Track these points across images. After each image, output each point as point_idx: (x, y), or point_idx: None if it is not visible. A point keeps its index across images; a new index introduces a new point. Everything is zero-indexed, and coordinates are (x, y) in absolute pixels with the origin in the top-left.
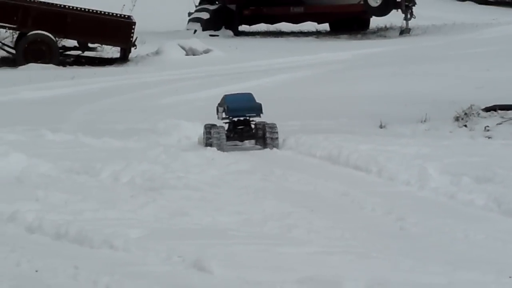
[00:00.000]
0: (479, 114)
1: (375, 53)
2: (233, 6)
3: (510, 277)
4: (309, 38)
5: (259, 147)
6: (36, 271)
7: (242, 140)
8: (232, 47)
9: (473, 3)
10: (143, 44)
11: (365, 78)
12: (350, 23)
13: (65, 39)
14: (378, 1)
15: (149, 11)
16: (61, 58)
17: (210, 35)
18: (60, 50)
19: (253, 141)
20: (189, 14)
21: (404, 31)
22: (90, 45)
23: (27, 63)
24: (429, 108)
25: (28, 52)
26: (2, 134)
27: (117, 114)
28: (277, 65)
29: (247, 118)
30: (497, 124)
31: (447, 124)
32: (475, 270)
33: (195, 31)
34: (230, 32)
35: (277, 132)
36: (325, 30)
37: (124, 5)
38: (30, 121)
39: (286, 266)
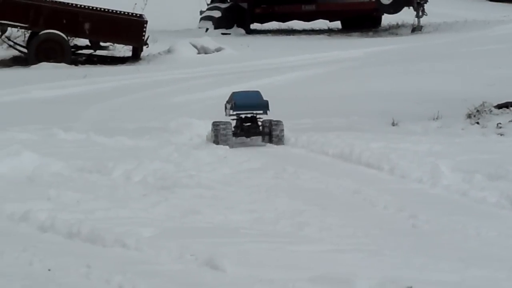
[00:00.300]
0: (491, 111)
1: (387, 51)
2: (244, 4)
3: None
4: (321, 36)
5: (265, 143)
6: (49, 270)
7: (248, 136)
8: (244, 45)
9: (484, 0)
10: (155, 42)
11: (377, 76)
12: (362, 21)
13: (76, 38)
14: None
15: (161, 9)
16: (73, 57)
17: (222, 34)
18: (72, 49)
19: (259, 138)
20: (201, 12)
21: (416, 29)
22: (102, 44)
23: (39, 62)
24: (441, 106)
25: (40, 51)
26: (14, 133)
27: (129, 113)
28: (289, 63)
29: (254, 115)
30: (509, 121)
31: (459, 122)
32: (487, 267)
33: (207, 29)
34: (242, 30)
35: (283, 129)
36: (337, 28)
37: (136, 3)
38: (42, 120)
39: (298, 264)
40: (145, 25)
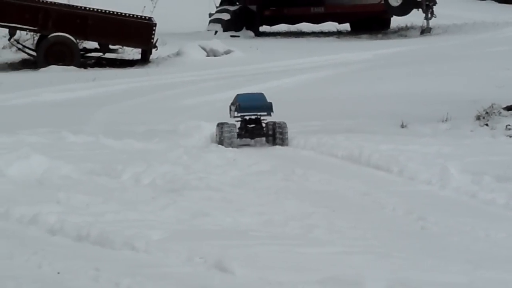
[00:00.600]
0: (500, 113)
1: (396, 53)
2: (253, 7)
3: None
4: (330, 38)
5: (269, 144)
6: (58, 273)
7: (252, 138)
8: (253, 48)
9: (493, 2)
10: (164, 45)
11: (386, 78)
12: (371, 23)
13: (86, 41)
14: (398, 1)
15: (170, 12)
16: (82, 60)
17: (231, 36)
18: (81, 52)
19: (264, 139)
20: (210, 15)
21: (425, 31)
22: (111, 46)
23: (48, 65)
24: (450, 107)
25: (49, 54)
26: (24, 136)
27: (138, 116)
28: (298, 66)
29: (258, 116)
30: None
31: (468, 123)
32: (496, 269)
33: (216, 32)
34: (251, 33)
35: (287, 131)
36: (346, 30)
37: (145, 6)
38: (51, 123)
39: (307, 266)
40: (154, 27)
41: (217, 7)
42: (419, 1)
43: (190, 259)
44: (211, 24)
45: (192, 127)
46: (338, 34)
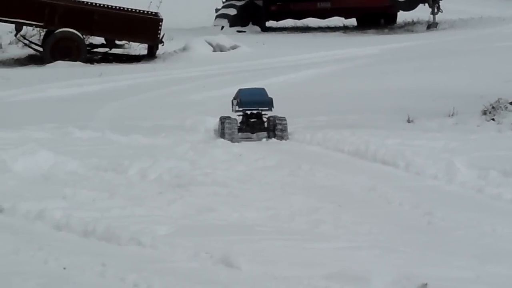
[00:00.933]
0: (506, 107)
1: (402, 48)
2: (260, 2)
3: None
4: (336, 33)
5: (269, 138)
6: (64, 268)
7: (253, 132)
8: (259, 43)
9: None
10: (170, 40)
11: (392, 73)
12: (377, 18)
13: (92, 37)
14: None
15: (176, 7)
16: (89, 56)
17: (237, 31)
18: (88, 48)
19: (264, 133)
20: (216, 10)
21: (431, 25)
22: (117, 42)
23: (55, 60)
24: (457, 102)
25: (55, 50)
26: (30, 131)
27: (145, 111)
28: (304, 61)
29: (260, 111)
30: None
31: (474, 118)
32: (503, 263)
33: (222, 27)
34: (257, 28)
35: (286, 126)
36: (352, 25)
37: (151, 1)
38: (57, 119)
39: (313, 261)
40: (160, 23)
41: (223, 2)
42: None
43: (196, 254)
44: (217, 19)
45: (198, 122)
46: (345, 29)
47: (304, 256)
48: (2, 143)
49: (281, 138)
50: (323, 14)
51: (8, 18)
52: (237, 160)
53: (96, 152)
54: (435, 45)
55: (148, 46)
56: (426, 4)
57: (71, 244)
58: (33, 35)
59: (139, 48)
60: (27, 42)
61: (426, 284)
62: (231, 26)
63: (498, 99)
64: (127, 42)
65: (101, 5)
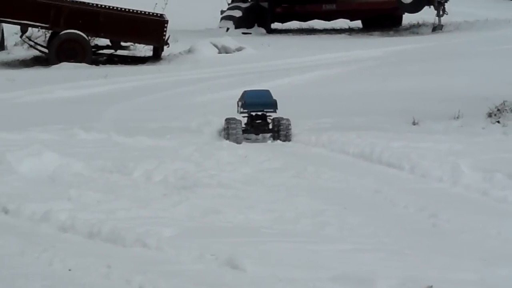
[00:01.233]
0: None
1: (407, 50)
2: (265, 4)
3: None
4: (342, 36)
5: (273, 140)
6: (69, 270)
7: (257, 133)
8: (265, 45)
9: None
10: (175, 42)
11: (398, 75)
12: (383, 20)
13: (97, 38)
14: None
15: (182, 9)
16: (94, 57)
17: (243, 33)
18: (93, 49)
19: (268, 135)
20: (222, 12)
21: (436, 28)
22: (122, 43)
23: (60, 62)
24: (462, 105)
25: (60, 51)
26: (35, 133)
27: (150, 113)
28: (310, 63)
29: (264, 113)
30: None
31: (480, 121)
32: (508, 266)
33: (228, 29)
34: (263, 30)
35: (290, 127)
36: (358, 27)
37: (156, 3)
38: (62, 120)
39: (319, 263)
40: (166, 24)
41: (228, 4)
42: None
43: (201, 256)
44: (222, 21)
45: (203, 124)
46: (350, 31)
47: (309, 258)
48: (7, 144)
49: (285, 139)
50: (329, 16)
51: (14, 19)
52: (242, 162)
53: (101, 153)
54: (440, 48)
55: (154, 48)
56: (432, 7)
57: (76, 245)
58: (39, 37)
59: (145, 50)
60: (32, 43)
61: (431, 286)
62: (236, 28)
63: (504, 101)
64: (132, 43)
65: (107, 6)
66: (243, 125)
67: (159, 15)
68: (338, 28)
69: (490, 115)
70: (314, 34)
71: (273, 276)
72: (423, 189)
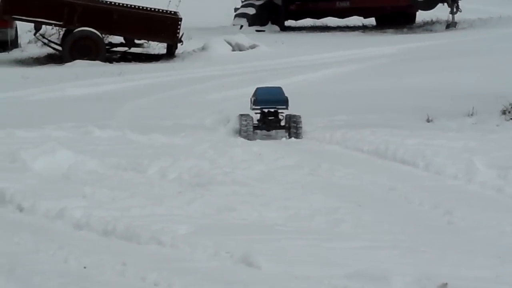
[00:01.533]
0: None
1: (421, 47)
2: (279, 1)
3: None
4: (355, 33)
5: (289, 136)
6: (84, 267)
7: (269, 130)
8: (278, 42)
9: None
10: (189, 40)
11: (412, 72)
12: (396, 18)
13: (111, 36)
14: None
15: (195, 7)
16: (108, 55)
17: (256, 31)
18: (107, 47)
19: (279, 131)
20: (235, 9)
21: (450, 25)
22: (136, 41)
23: (74, 59)
24: (476, 102)
25: (74, 49)
26: (50, 131)
27: (164, 110)
28: (323, 60)
29: (276, 109)
30: None
31: (494, 118)
32: None
33: (241, 26)
34: (276, 27)
35: (301, 125)
36: (371, 25)
37: (170, 1)
38: (77, 118)
39: (334, 260)
40: (179, 22)
41: (242, 2)
42: None
43: (216, 254)
44: (236, 18)
45: (217, 122)
46: (364, 28)
47: (324, 256)
48: (22, 142)
49: (296, 135)
50: (342, 13)
51: (28, 17)
52: (256, 160)
53: (115, 151)
54: (454, 45)
55: (167, 45)
56: (445, 4)
57: (91, 243)
58: (52, 34)
59: (158, 47)
60: (46, 41)
61: (446, 283)
62: (250, 25)
63: None
64: (146, 41)
65: (121, 4)
66: (255, 122)
67: (172, 12)
68: (352, 25)
69: (504, 112)
70: (327, 32)
71: (287, 273)
72: (438, 186)
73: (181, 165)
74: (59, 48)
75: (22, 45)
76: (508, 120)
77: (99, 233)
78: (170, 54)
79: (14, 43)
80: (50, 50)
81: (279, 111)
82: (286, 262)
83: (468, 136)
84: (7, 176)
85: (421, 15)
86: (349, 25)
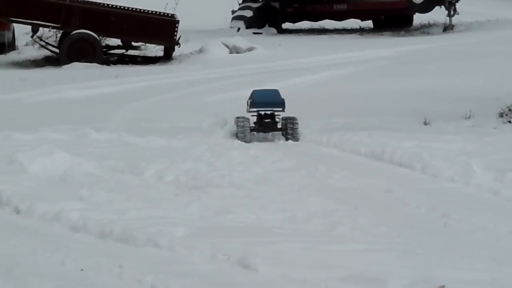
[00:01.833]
0: None
1: (418, 50)
2: (276, 4)
3: None
4: (353, 35)
5: (287, 139)
6: (81, 270)
7: (266, 132)
8: (276, 45)
9: None
10: (186, 42)
11: (409, 75)
12: (394, 20)
13: (108, 38)
14: None
15: (193, 9)
16: (105, 57)
17: (254, 33)
18: (104, 49)
19: (276, 133)
20: (233, 12)
21: (447, 28)
22: (133, 44)
23: (71, 62)
24: (473, 105)
25: (71, 51)
26: (46, 133)
27: (161, 113)
28: (321, 63)
29: (273, 112)
30: None
31: (491, 121)
32: None
33: (239, 29)
34: (274, 30)
35: (297, 127)
36: (369, 27)
37: (167, 3)
38: (74, 120)
39: (330, 263)
40: (177, 24)
41: (239, 4)
42: None
43: (213, 256)
44: (233, 21)
45: (214, 124)
46: (361, 31)
47: (321, 258)
48: (19, 144)
49: (292, 137)
50: (340, 16)
51: (25, 19)
52: (253, 162)
53: (112, 153)
54: (451, 48)
55: (165, 48)
56: (443, 6)
57: (88, 245)
58: (50, 37)
59: (156, 50)
60: (43, 43)
61: (443, 286)
62: (247, 28)
63: None
64: (143, 43)
65: (118, 6)
66: (252, 124)
67: (170, 15)
68: (349, 28)
69: (501, 115)
70: (325, 34)
71: (284, 276)
72: (435, 189)
73: (178, 168)
74: (57, 50)
75: (19, 47)
76: (505, 123)
77: (96, 236)
78: (167, 56)
79: (11, 45)
80: (47, 53)
81: (276, 113)
82: (283, 265)
83: (465, 139)
84: (4, 178)
85: (419, 18)
86: (346, 28)
